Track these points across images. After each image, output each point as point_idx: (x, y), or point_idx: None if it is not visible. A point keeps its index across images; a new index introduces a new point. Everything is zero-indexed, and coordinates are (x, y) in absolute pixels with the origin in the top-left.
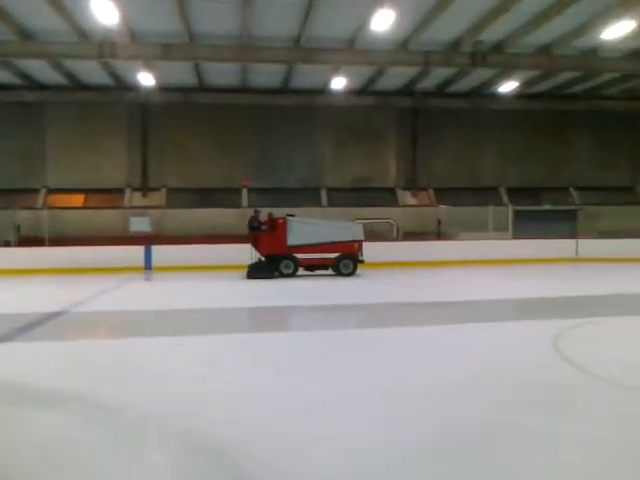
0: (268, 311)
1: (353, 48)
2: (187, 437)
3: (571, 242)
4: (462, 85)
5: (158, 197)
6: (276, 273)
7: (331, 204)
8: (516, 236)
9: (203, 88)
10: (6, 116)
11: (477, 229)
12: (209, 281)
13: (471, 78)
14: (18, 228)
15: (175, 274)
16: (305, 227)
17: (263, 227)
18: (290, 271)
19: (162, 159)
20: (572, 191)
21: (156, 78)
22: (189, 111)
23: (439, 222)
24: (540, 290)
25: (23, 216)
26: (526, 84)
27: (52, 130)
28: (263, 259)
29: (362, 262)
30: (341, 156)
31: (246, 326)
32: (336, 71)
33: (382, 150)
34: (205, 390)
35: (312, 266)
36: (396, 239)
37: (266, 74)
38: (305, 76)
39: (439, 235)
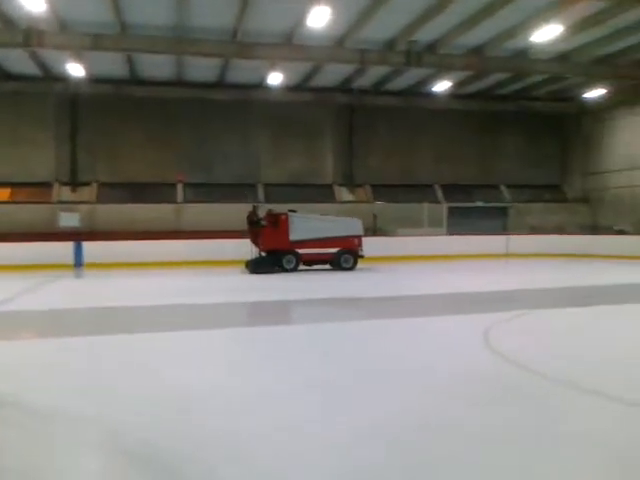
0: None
1: (290, 44)
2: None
3: (502, 238)
4: (398, 84)
5: (88, 192)
6: (277, 268)
7: (268, 200)
8: (450, 232)
9: (136, 81)
10: None
11: (413, 225)
12: (145, 278)
13: (406, 77)
14: None
15: (108, 271)
16: (307, 223)
17: (263, 222)
18: (292, 266)
19: (92, 152)
20: (503, 188)
21: (86, 69)
22: (121, 104)
23: (375, 217)
24: (472, 284)
25: None
26: (459, 84)
27: None
28: (264, 254)
29: (362, 257)
30: (278, 152)
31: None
32: (273, 66)
33: (319, 146)
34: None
35: (311, 261)
36: None
37: (202, 68)
38: (241, 71)
39: (375, 231)
